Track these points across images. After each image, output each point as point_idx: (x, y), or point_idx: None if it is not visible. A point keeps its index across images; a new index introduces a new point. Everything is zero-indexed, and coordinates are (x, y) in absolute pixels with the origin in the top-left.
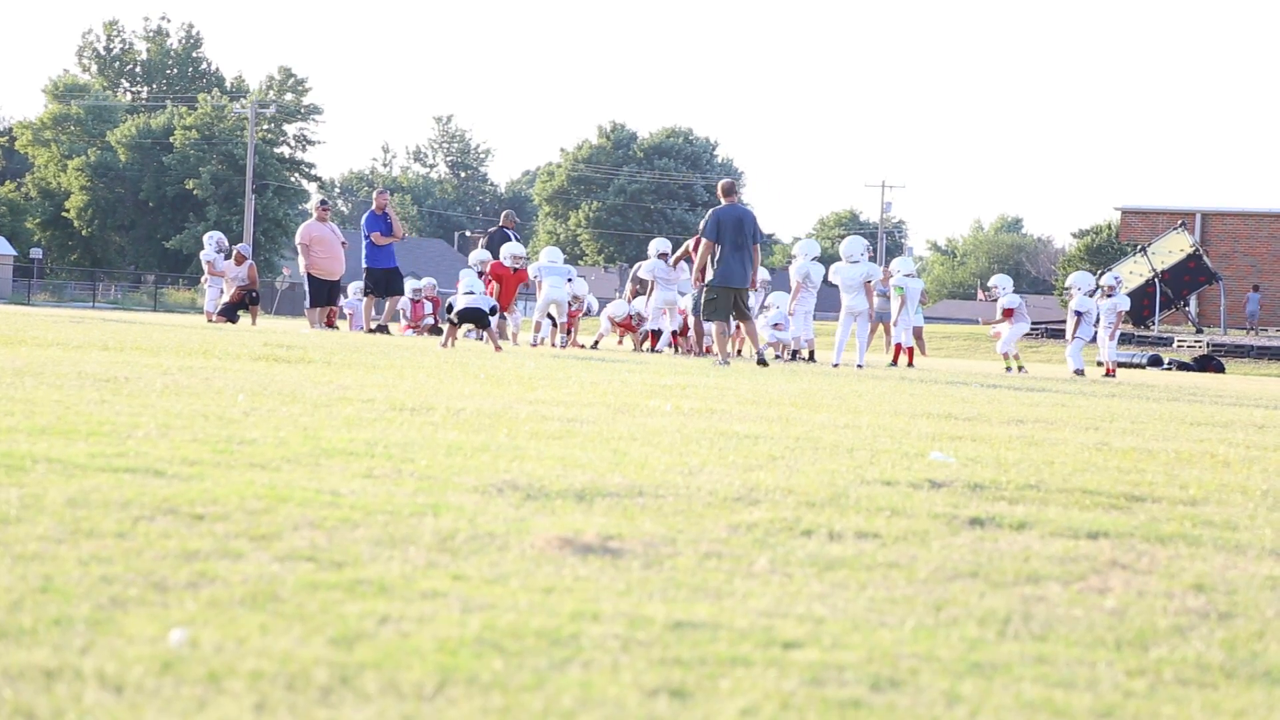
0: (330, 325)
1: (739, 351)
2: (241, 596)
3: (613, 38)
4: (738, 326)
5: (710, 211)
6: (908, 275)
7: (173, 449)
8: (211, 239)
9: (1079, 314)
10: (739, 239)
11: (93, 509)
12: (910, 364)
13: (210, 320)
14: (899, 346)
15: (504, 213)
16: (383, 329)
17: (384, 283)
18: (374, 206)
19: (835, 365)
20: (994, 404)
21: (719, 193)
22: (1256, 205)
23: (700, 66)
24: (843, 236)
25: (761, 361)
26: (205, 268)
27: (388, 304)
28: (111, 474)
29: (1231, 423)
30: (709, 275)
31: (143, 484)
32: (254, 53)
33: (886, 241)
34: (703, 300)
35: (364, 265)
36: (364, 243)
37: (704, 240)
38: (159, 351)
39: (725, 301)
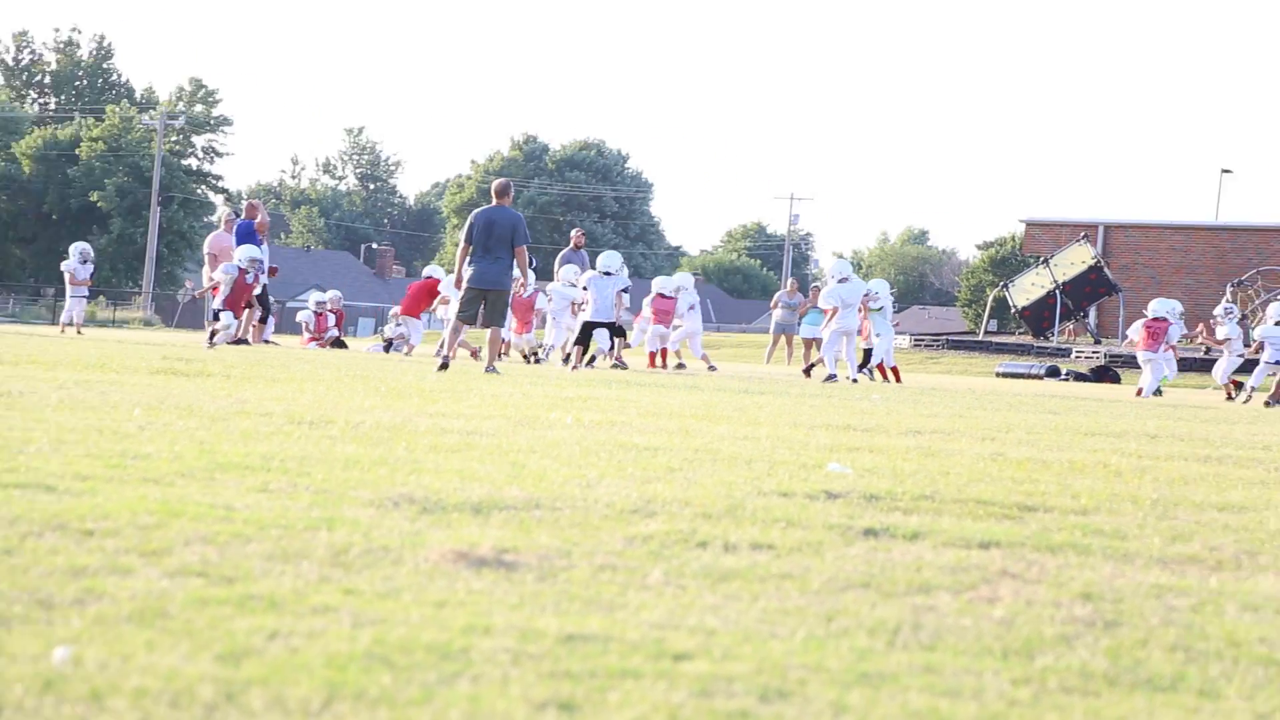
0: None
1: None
2: (129, 613)
3: (527, 50)
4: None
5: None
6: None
7: (65, 464)
8: (76, 249)
9: (1262, 342)
10: (488, 242)
11: None
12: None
13: (63, 331)
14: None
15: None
16: (242, 341)
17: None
18: (256, 224)
19: (832, 377)
20: (892, 416)
21: (492, 192)
22: (1158, 218)
23: (613, 79)
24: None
25: (490, 369)
26: (66, 278)
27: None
28: (0, 490)
29: (1125, 433)
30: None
31: (32, 500)
32: (165, 64)
33: (793, 254)
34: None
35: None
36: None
37: (460, 244)
38: (55, 365)
39: (473, 303)
